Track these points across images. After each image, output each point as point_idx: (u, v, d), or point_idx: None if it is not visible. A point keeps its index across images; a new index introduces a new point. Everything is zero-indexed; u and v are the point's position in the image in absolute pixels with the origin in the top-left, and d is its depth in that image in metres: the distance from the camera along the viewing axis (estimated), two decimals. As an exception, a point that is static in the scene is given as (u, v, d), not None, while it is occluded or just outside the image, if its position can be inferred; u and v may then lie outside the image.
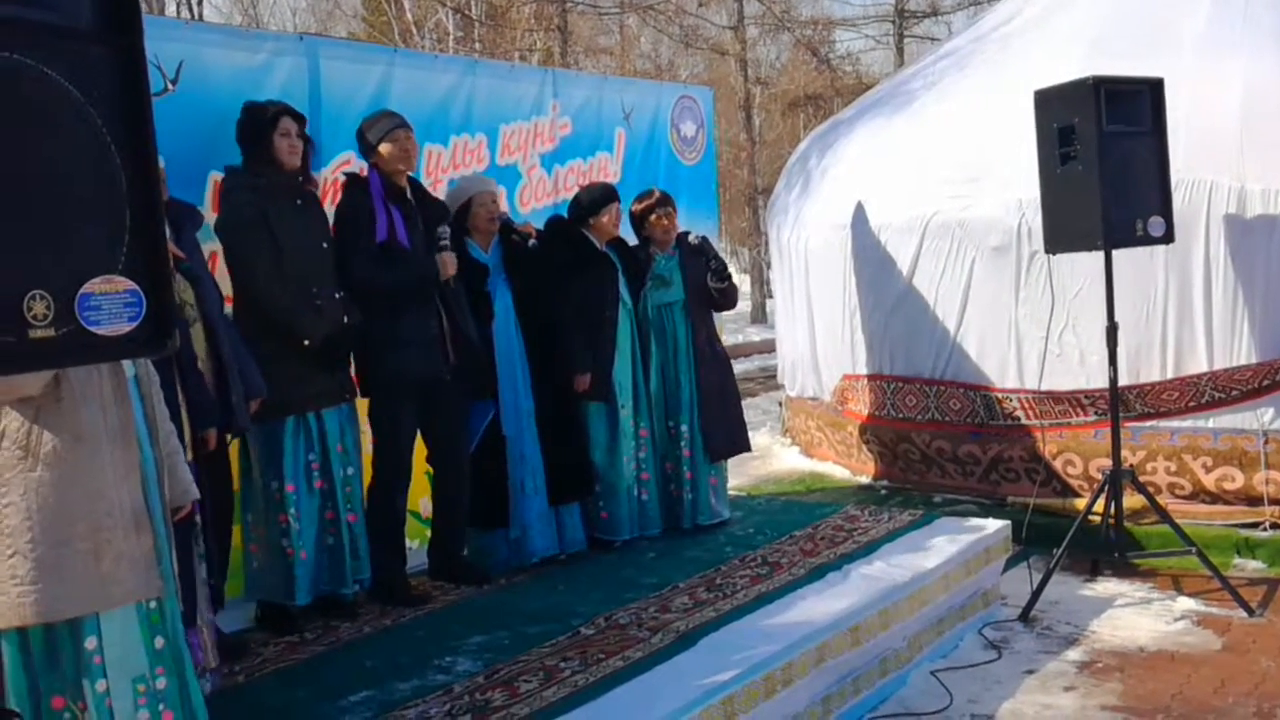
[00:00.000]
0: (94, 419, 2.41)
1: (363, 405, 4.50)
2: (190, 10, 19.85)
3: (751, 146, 23.11)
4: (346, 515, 4.24)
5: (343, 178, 4.54)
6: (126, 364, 2.57)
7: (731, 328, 19.84)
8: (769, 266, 10.22)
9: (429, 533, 4.82)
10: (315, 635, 4.07)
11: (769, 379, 11.01)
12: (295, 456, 4.13)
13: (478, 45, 19.46)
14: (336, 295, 4.19)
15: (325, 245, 4.21)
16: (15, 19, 1.67)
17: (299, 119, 4.12)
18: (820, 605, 4.03)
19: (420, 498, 4.92)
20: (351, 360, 4.39)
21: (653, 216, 5.31)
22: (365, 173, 4.43)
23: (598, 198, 5.15)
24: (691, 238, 5.37)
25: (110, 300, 1.83)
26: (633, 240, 5.38)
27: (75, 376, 2.38)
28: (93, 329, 1.81)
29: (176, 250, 3.55)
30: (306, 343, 4.06)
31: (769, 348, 10.86)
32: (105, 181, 1.81)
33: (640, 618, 4.00)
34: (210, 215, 4.19)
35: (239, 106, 4.11)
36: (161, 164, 3.67)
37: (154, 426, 2.64)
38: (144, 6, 16.91)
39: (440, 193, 4.91)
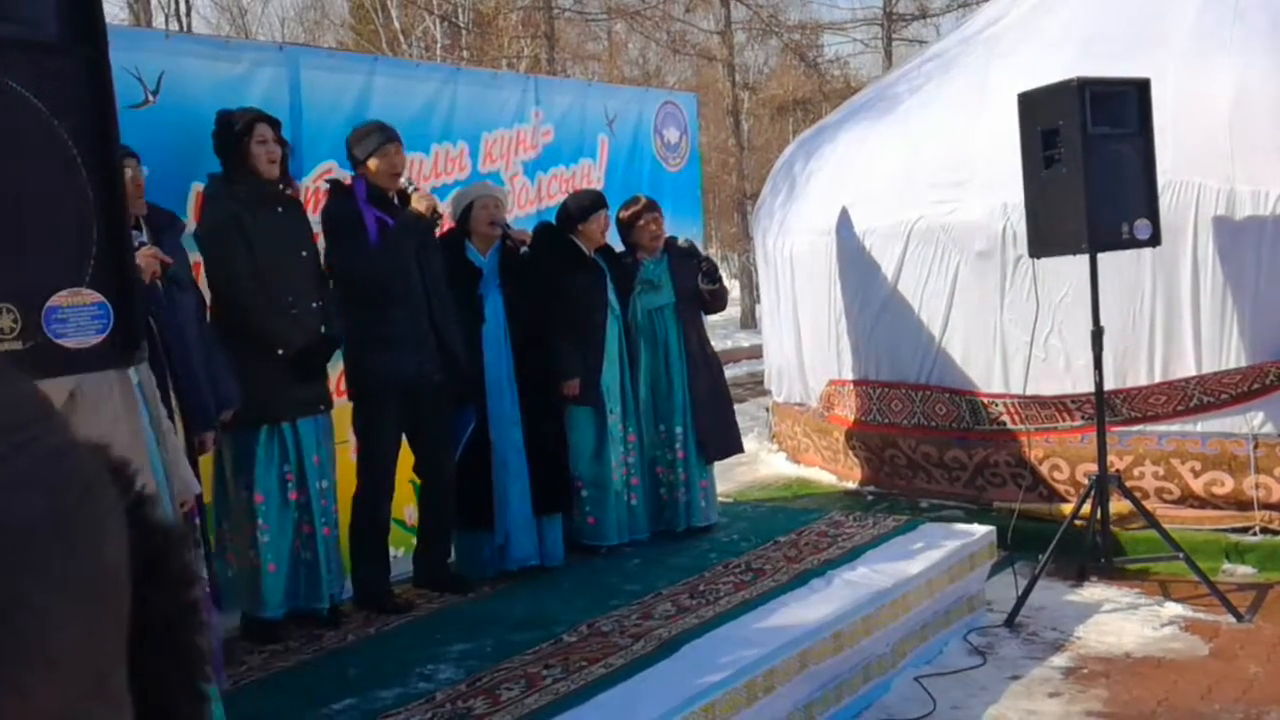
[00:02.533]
0: (108, 428, 2.45)
1: (343, 415, 4.49)
2: (179, 21, 19.85)
3: (740, 152, 23.14)
4: (322, 529, 4.19)
5: (325, 185, 4.53)
6: (130, 370, 2.61)
7: (721, 333, 19.84)
8: (758, 272, 10.25)
9: (414, 541, 4.81)
10: (299, 643, 4.06)
11: (757, 384, 11.01)
12: (268, 466, 4.10)
13: (465, 53, 19.48)
14: (315, 304, 4.17)
15: (305, 254, 4.19)
16: (-22, 32, 1.67)
17: (274, 124, 4.09)
18: (803, 611, 4.02)
19: (405, 506, 4.91)
20: (335, 366, 4.39)
21: (640, 222, 5.33)
22: (350, 181, 4.43)
23: (586, 205, 5.17)
24: (680, 241, 5.40)
25: (78, 313, 1.83)
26: (619, 247, 5.39)
27: (89, 386, 2.42)
28: (60, 341, 1.82)
29: (164, 256, 3.55)
30: (280, 352, 4.04)
31: (758, 353, 10.86)
32: (72, 194, 1.82)
33: (623, 625, 3.99)
34: (193, 225, 4.18)
35: (220, 117, 4.11)
36: (145, 172, 3.69)
37: (159, 430, 2.67)
38: (130, 18, 16.91)
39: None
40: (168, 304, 3.62)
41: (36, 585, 0.40)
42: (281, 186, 4.16)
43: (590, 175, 5.99)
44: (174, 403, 3.51)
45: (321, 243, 4.42)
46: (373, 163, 4.36)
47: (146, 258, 3.42)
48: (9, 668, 0.39)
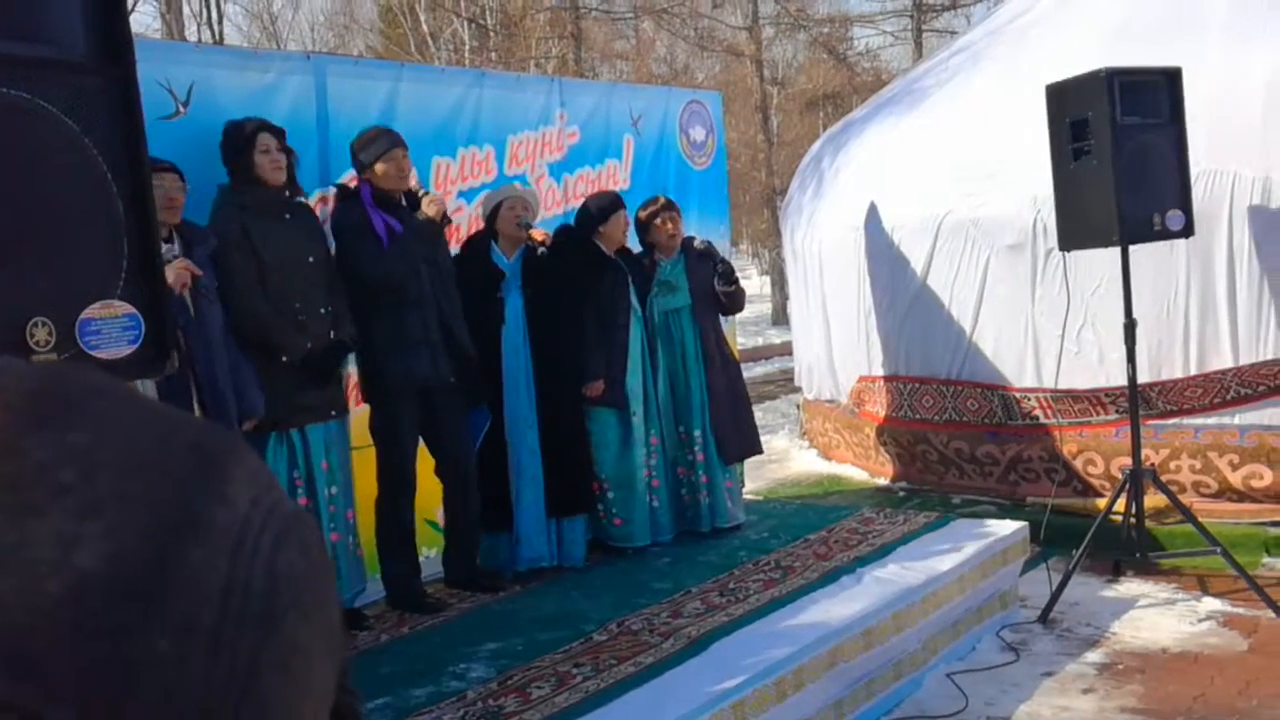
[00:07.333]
0: None
1: (362, 420, 4.52)
2: (211, 30, 20.04)
3: (769, 147, 23.05)
4: (330, 534, 4.21)
5: (333, 190, 4.56)
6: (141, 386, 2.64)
7: (752, 329, 19.81)
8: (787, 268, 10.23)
9: (444, 541, 4.85)
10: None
11: (788, 381, 11.01)
12: (274, 473, 4.10)
13: (493, 55, 19.56)
14: (324, 310, 4.19)
15: (312, 260, 4.20)
16: (9, 55, 1.71)
17: (278, 133, 4.11)
18: (833, 609, 4.03)
19: (435, 507, 4.95)
20: (350, 370, 4.43)
21: (658, 221, 5.34)
22: (354, 182, 4.46)
23: (605, 205, 5.19)
24: (696, 243, 5.39)
25: (110, 325, 1.87)
26: (637, 249, 5.41)
27: None
28: (93, 353, 1.86)
29: (195, 269, 3.62)
30: (285, 359, 4.06)
31: (789, 350, 10.85)
32: (103, 209, 1.86)
33: (652, 623, 4.02)
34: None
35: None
36: (187, 187, 3.76)
37: None
38: (163, 28, 17.10)
39: (452, 205, 4.96)
40: (195, 316, 3.69)
41: (307, 635, 0.43)
42: (288, 194, 4.19)
43: (616, 176, 6.00)
44: (197, 414, 3.57)
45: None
46: (380, 167, 4.37)
47: (178, 270, 3.48)
48: (295, 706, 0.42)
